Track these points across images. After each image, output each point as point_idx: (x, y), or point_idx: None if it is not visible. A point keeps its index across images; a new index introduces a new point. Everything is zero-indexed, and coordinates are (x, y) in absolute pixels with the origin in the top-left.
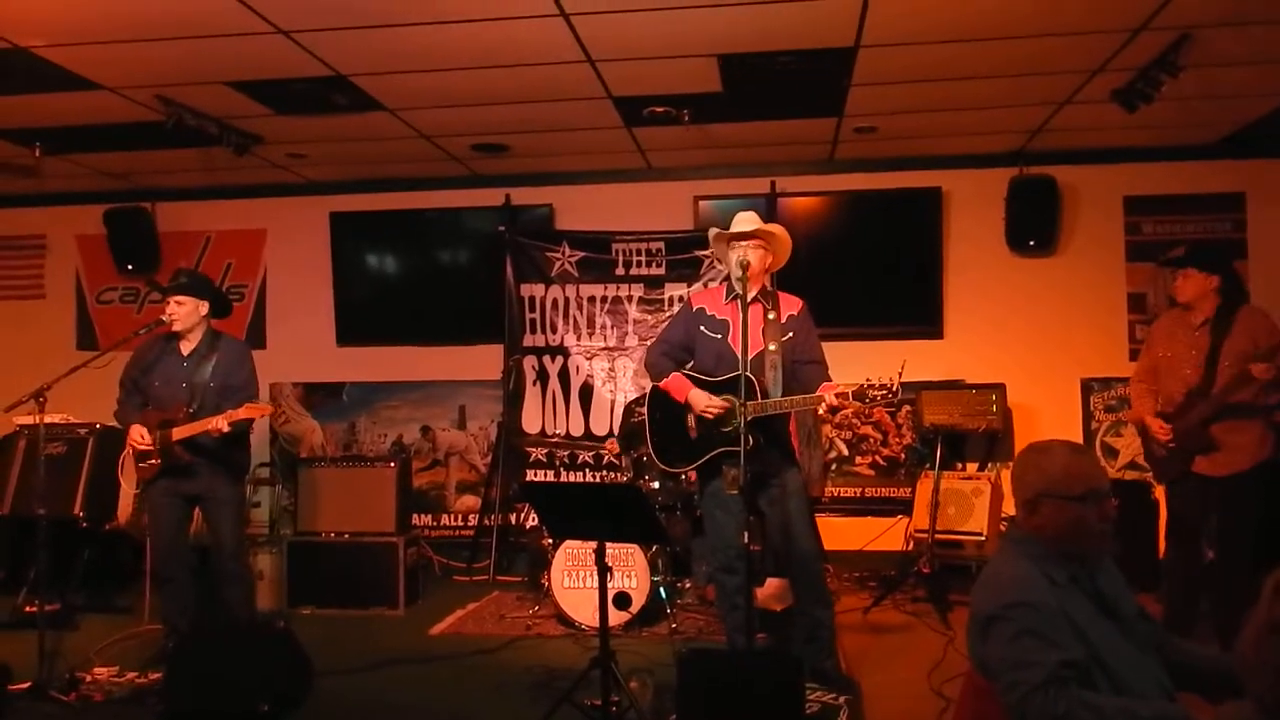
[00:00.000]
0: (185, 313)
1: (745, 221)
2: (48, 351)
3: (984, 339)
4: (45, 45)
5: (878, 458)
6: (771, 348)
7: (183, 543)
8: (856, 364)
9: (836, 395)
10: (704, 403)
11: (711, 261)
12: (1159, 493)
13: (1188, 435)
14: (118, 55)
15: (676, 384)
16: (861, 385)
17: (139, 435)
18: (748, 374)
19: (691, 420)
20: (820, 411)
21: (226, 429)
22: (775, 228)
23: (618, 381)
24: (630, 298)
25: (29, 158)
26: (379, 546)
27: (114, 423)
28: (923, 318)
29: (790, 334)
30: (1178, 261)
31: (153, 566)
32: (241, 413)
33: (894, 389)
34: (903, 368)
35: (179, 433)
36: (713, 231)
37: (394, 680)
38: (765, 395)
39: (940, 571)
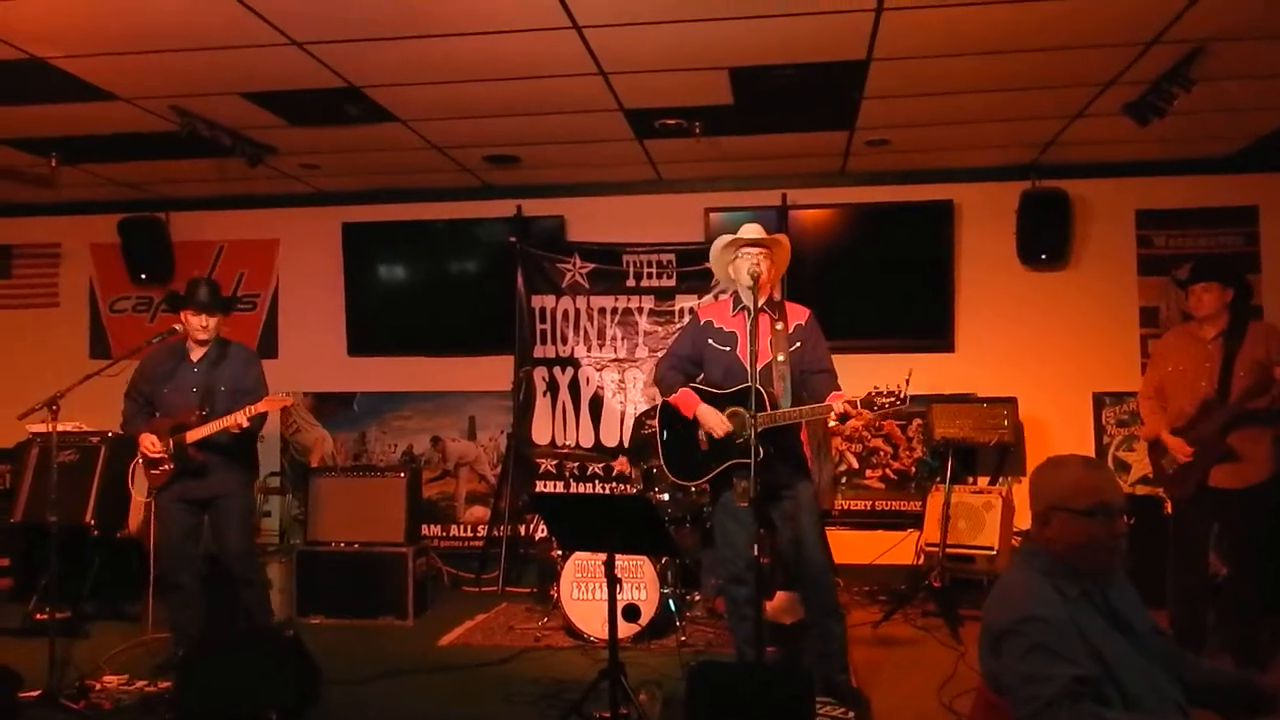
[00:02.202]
0: (214, 325)
1: (751, 231)
2: (61, 360)
3: (995, 352)
4: (62, 56)
5: (888, 471)
6: (780, 358)
7: (191, 549)
8: (867, 376)
9: (845, 403)
10: (713, 421)
11: None
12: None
13: (1205, 445)
14: (133, 66)
15: (685, 399)
16: (870, 393)
17: (150, 443)
18: (757, 385)
19: (702, 434)
20: (830, 422)
21: (246, 423)
22: (781, 237)
23: (628, 393)
24: (641, 309)
25: (45, 167)
26: (388, 557)
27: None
28: (934, 331)
29: (798, 344)
30: (1201, 276)
31: (157, 572)
32: (262, 405)
33: (902, 396)
34: (909, 375)
35: (194, 435)
36: (723, 239)
37: (402, 691)
38: (775, 406)
39: (951, 586)
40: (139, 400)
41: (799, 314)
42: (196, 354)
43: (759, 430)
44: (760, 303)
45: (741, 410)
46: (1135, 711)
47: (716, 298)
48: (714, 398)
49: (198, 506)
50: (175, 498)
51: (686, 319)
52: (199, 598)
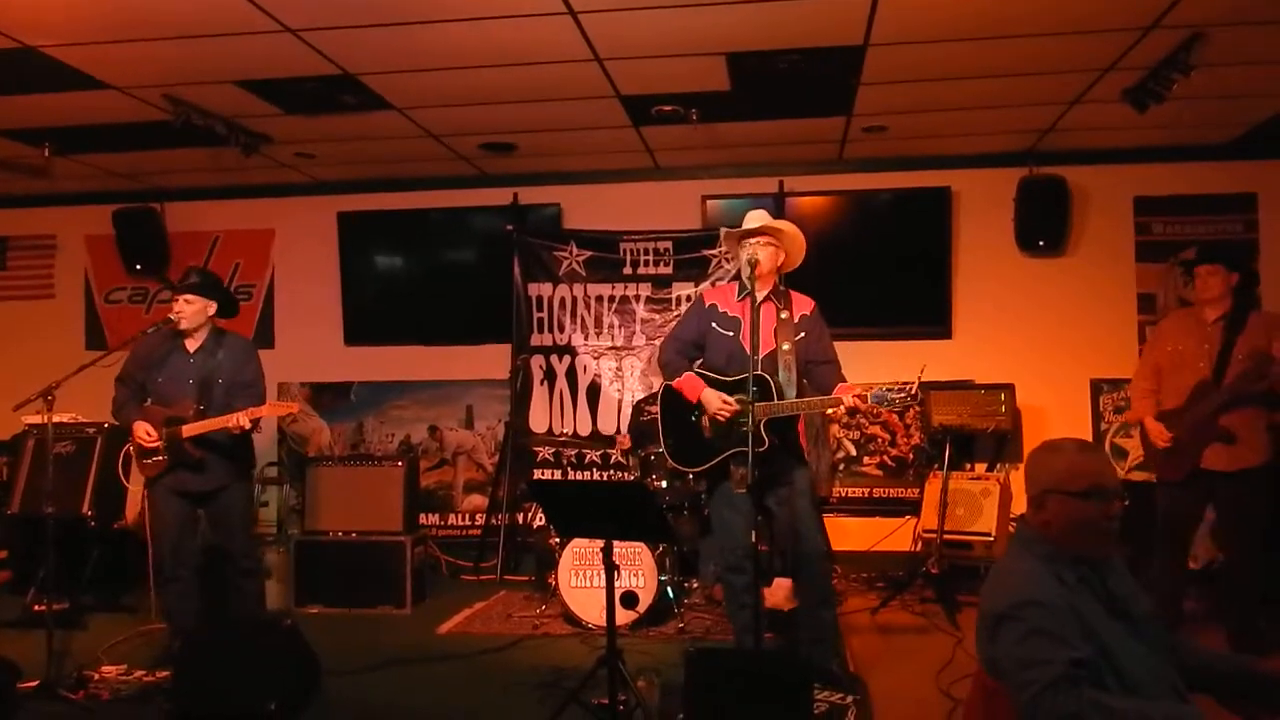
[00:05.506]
0: (193, 311)
1: (755, 219)
2: (57, 351)
3: (993, 339)
4: (54, 45)
5: (886, 458)
6: (784, 347)
7: (187, 541)
8: (865, 364)
9: (855, 397)
10: (717, 404)
11: (719, 260)
12: None
13: (1197, 426)
14: (126, 55)
15: (689, 383)
16: (879, 388)
17: (145, 432)
18: (760, 373)
19: (705, 420)
20: (839, 412)
21: (248, 425)
22: (785, 224)
23: (625, 381)
24: (638, 297)
25: (39, 158)
26: (386, 546)
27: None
28: (931, 318)
29: (803, 333)
30: (1206, 258)
31: (156, 564)
32: (265, 410)
33: (912, 392)
34: (922, 371)
35: (190, 430)
36: (724, 230)
37: (401, 680)
38: (779, 395)
39: (949, 572)
40: (130, 385)
41: (804, 304)
42: (192, 344)
43: (764, 420)
44: (764, 292)
45: (745, 399)
46: (1133, 696)
47: (714, 284)
48: (717, 384)
49: (194, 500)
50: (170, 490)
51: (683, 307)
52: (195, 590)
